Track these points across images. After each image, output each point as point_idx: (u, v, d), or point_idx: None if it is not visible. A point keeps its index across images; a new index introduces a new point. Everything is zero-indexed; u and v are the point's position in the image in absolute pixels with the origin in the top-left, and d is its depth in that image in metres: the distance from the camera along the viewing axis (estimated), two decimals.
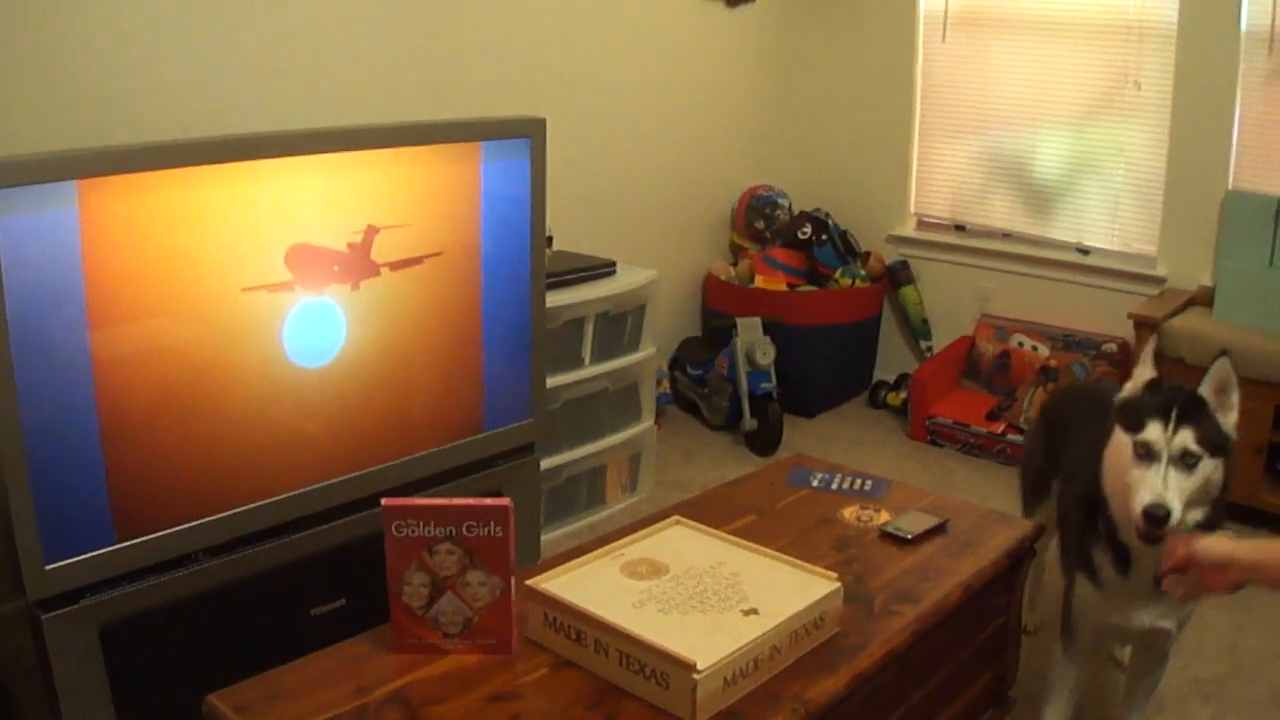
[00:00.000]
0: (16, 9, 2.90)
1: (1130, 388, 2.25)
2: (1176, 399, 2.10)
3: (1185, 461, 2.06)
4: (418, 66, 3.90)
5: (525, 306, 3.10)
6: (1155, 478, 2.05)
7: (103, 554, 2.33)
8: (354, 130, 2.68)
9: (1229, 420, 2.12)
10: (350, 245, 2.64)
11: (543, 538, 3.54)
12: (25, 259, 2.10)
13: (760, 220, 5.30)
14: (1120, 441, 2.17)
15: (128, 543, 2.37)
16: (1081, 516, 2.38)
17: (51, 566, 2.25)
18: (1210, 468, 2.08)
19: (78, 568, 2.30)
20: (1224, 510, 2.17)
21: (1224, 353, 2.13)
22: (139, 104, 3.15)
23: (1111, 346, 4.66)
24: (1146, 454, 2.08)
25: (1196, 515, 2.10)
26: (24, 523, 2.20)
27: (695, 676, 1.78)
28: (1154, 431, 2.08)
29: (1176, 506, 2.02)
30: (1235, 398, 2.12)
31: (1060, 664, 2.55)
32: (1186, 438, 2.06)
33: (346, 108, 3.59)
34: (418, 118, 3.04)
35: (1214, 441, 2.07)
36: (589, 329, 3.83)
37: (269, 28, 3.44)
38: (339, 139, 2.62)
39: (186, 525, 2.46)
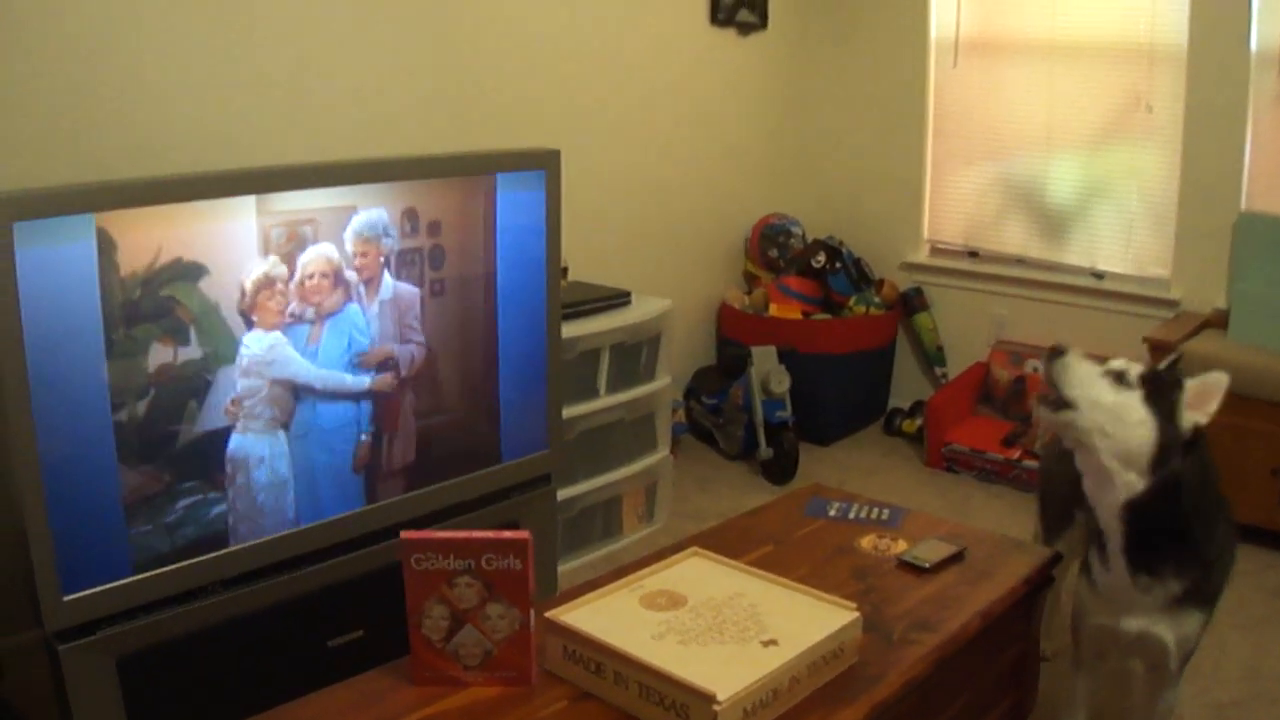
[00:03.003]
0: (36, 44, 2.93)
1: None
2: None
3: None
4: (434, 99, 3.93)
5: (541, 337, 3.11)
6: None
7: (120, 585, 2.34)
8: (370, 162, 2.70)
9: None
10: (367, 276, 2.66)
11: (559, 568, 3.53)
12: (43, 291, 2.12)
13: (774, 249, 5.31)
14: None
15: (145, 574, 2.38)
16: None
17: (69, 598, 2.26)
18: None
19: (95, 599, 2.31)
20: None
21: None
22: (156, 137, 3.17)
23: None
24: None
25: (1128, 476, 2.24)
26: (42, 554, 2.21)
27: (715, 708, 1.77)
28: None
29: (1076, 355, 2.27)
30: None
31: (1071, 677, 2.62)
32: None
33: (363, 140, 3.62)
34: (434, 149, 3.06)
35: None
36: (604, 359, 3.83)
37: (285, 62, 3.47)
38: (355, 171, 2.64)
39: (203, 557, 2.47)
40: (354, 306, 2.66)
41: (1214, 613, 2.44)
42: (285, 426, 2.58)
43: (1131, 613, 2.36)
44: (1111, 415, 2.22)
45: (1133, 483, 2.22)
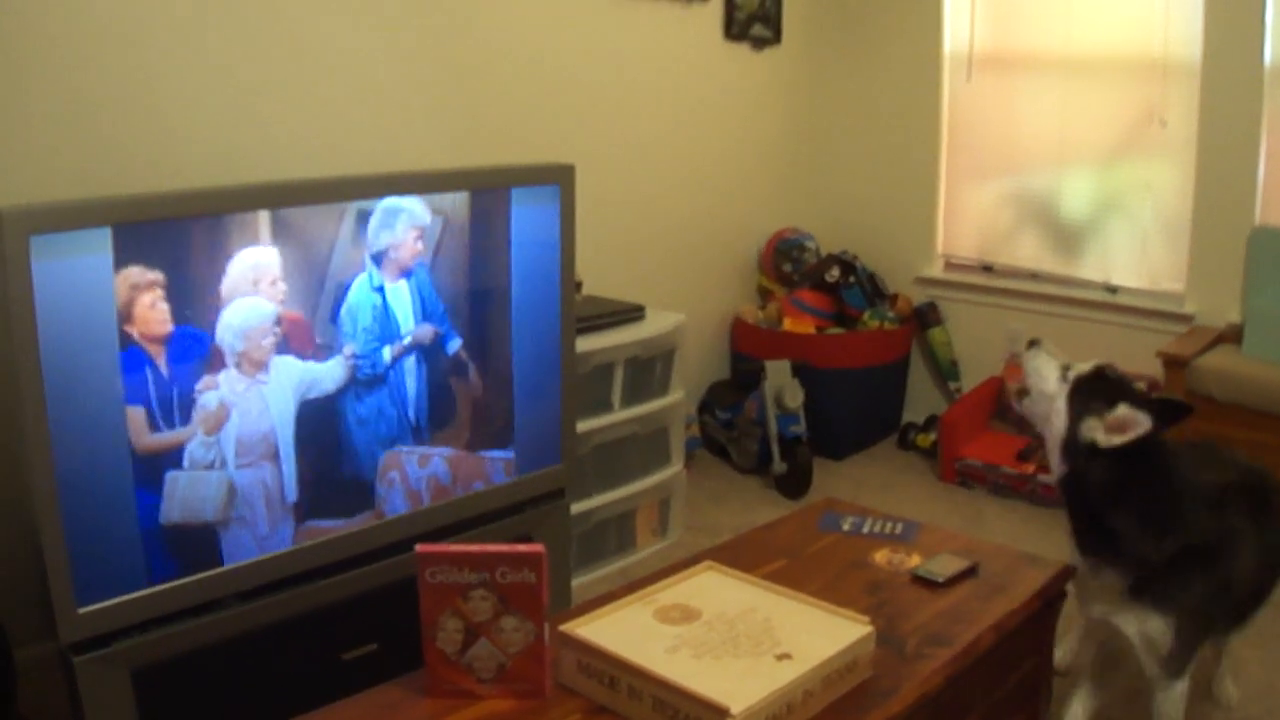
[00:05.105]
0: (52, 58, 2.95)
1: None
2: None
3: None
4: (448, 114, 3.95)
5: (555, 351, 3.11)
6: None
7: (135, 598, 2.35)
8: (386, 176, 2.71)
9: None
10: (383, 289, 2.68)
11: (573, 582, 3.53)
12: (60, 303, 2.13)
13: (788, 263, 5.32)
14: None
15: (160, 586, 2.38)
16: None
17: (84, 610, 2.27)
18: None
19: (110, 611, 2.31)
20: None
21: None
22: (171, 152, 3.20)
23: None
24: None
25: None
26: (57, 566, 2.22)
27: None
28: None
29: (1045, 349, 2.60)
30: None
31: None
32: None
33: (377, 154, 3.64)
34: (448, 164, 3.07)
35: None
36: (618, 373, 3.84)
37: (300, 77, 3.50)
38: (370, 185, 2.65)
39: (219, 569, 2.48)
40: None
41: (1203, 627, 2.53)
42: (298, 439, 2.59)
43: (1097, 599, 2.54)
44: (1046, 405, 2.54)
45: (1057, 465, 2.53)
